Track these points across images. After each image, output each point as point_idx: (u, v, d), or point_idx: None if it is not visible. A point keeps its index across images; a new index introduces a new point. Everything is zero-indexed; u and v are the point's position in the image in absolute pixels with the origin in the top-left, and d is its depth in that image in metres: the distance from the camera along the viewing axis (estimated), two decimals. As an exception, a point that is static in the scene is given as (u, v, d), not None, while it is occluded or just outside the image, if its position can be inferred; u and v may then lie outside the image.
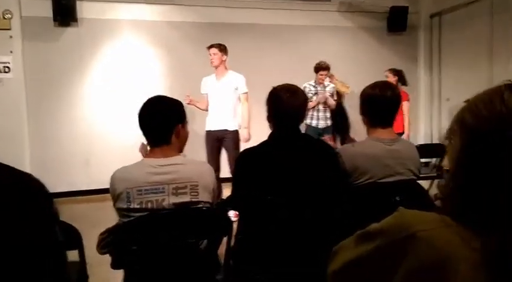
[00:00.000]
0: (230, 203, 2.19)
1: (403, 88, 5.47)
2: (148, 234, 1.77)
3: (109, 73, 6.10)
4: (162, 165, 1.85)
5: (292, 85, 2.14)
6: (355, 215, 1.90)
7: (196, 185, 1.87)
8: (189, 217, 1.86)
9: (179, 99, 2.02)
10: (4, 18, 5.60)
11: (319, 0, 6.85)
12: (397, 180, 2.14)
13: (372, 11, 7.06)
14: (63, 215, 1.04)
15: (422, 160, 2.38)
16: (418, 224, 0.74)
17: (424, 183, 2.58)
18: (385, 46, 7.18)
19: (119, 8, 6.09)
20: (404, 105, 5.50)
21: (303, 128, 4.21)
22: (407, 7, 7.09)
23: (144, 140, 2.00)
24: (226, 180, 3.65)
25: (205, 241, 1.89)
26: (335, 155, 2.13)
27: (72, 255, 1.70)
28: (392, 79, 5.50)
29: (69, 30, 5.93)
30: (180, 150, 1.99)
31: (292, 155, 2.01)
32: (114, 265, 1.82)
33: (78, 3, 5.88)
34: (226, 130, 4.63)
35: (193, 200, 1.86)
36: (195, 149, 3.63)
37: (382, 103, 2.17)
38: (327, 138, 3.79)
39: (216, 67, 4.65)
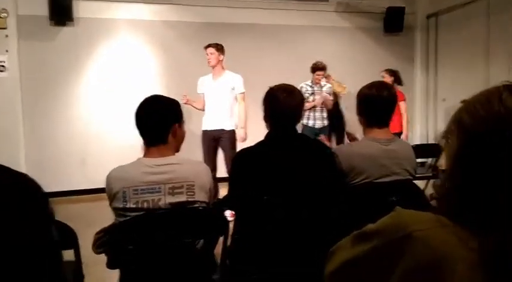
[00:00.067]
0: (226, 203, 2.19)
1: (399, 88, 5.49)
2: (145, 234, 1.76)
3: (105, 73, 6.08)
4: (158, 165, 1.84)
5: (289, 85, 2.14)
6: (352, 215, 1.90)
7: (193, 185, 1.86)
8: (185, 217, 1.86)
9: (176, 99, 2.02)
10: (0, 17, 5.58)
11: (316, 1, 6.86)
12: (393, 180, 2.15)
13: (369, 12, 7.08)
14: (59, 214, 1.04)
15: (418, 160, 2.39)
16: (414, 223, 0.74)
17: (420, 183, 2.59)
18: (381, 46, 7.20)
19: (116, 8, 6.08)
20: (402, 105, 5.53)
21: (299, 128, 4.22)
22: (404, 8, 7.12)
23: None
24: (222, 180, 3.64)
25: (202, 241, 1.89)
26: (331, 155, 2.13)
27: (68, 254, 1.69)
28: (388, 79, 5.52)
29: (66, 30, 5.91)
30: (176, 149, 1.98)
31: (288, 155, 2.01)
32: (110, 265, 1.82)
33: (74, 3, 5.87)
34: (223, 130, 4.62)
35: (189, 199, 1.85)
36: (192, 149, 3.62)
37: (378, 103, 2.18)
38: (322, 138, 3.80)
39: (213, 67, 4.64)
